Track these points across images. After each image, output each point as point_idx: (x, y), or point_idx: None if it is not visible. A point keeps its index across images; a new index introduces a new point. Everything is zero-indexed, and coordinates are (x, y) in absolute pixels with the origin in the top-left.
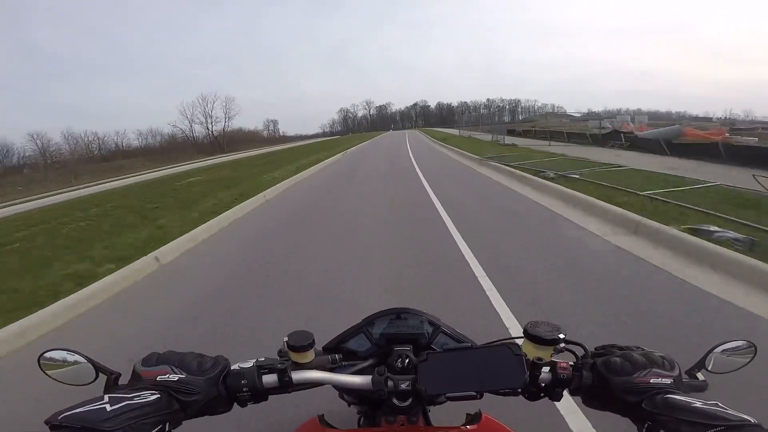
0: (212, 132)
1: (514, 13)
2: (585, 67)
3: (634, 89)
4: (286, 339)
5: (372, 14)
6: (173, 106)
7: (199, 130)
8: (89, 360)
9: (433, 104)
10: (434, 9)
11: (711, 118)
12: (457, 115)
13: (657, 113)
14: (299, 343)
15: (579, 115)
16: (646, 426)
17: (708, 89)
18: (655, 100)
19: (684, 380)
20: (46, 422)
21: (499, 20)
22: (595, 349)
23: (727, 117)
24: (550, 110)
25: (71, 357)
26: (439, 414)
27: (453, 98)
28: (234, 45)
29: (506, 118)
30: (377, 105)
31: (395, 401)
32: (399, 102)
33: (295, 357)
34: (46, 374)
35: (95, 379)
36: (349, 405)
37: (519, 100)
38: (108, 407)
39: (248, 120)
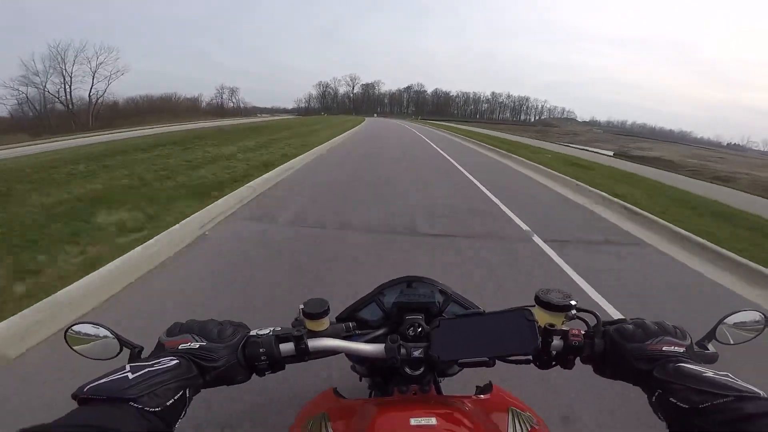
0: (70, 100)
1: (520, 9)
2: (579, 72)
3: (625, 100)
4: (301, 306)
5: None
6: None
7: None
8: (114, 334)
9: (430, 90)
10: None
11: (721, 143)
12: (455, 106)
13: (662, 130)
14: (315, 310)
15: (581, 121)
16: (656, 394)
17: (713, 112)
18: (646, 115)
19: (695, 350)
20: (73, 396)
21: (504, 14)
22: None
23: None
24: (560, 114)
25: (96, 330)
26: (450, 386)
27: (451, 87)
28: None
29: (507, 115)
30: (363, 83)
31: (407, 370)
32: (390, 83)
33: (310, 325)
34: (72, 349)
35: (119, 353)
36: (360, 379)
37: (527, 98)
38: (130, 375)
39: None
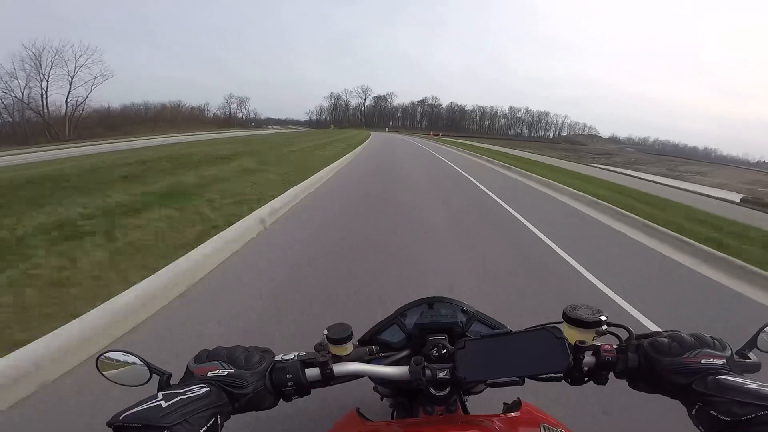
0: (46, 107)
1: (528, 24)
2: (596, 87)
3: (640, 116)
4: (325, 332)
5: (385, 9)
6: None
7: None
8: (143, 361)
9: (445, 103)
10: (449, 9)
11: (749, 161)
12: (471, 120)
13: (686, 148)
14: (339, 335)
15: (605, 137)
16: (696, 407)
17: (732, 128)
18: (665, 131)
19: (735, 360)
20: (108, 424)
21: (512, 29)
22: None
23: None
24: (582, 130)
25: (126, 357)
26: (476, 404)
27: (465, 101)
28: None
29: (524, 131)
30: (376, 95)
31: (433, 391)
32: (403, 96)
33: (334, 350)
34: (103, 375)
35: (149, 380)
36: (381, 398)
37: (547, 113)
38: (163, 404)
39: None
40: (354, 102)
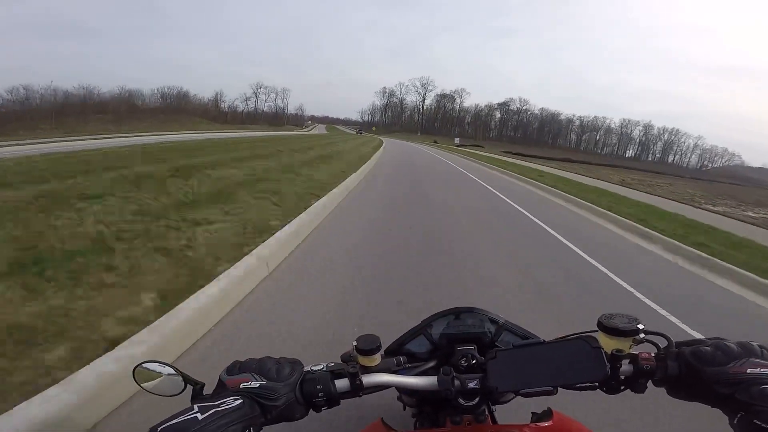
0: None
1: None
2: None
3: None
4: (355, 343)
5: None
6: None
7: None
8: (178, 371)
9: (537, 108)
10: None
11: None
12: (566, 133)
13: None
14: (368, 346)
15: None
16: (738, 416)
17: None
18: None
19: None
20: None
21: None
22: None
23: None
24: (720, 154)
25: (162, 368)
26: (504, 413)
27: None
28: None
29: (629, 152)
30: (439, 92)
31: (461, 401)
32: (476, 95)
33: (363, 360)
34: (139, 385)
35: (183, 390)
36: (404, 408)
37: (677, 130)
38: (199, 416)
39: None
40: (411, 99)
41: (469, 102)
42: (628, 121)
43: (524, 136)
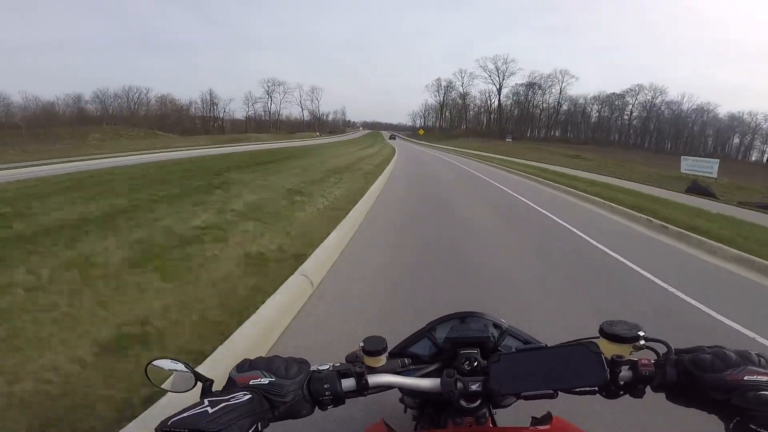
0: None
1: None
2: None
3: None
4: (361, 344)
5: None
6: None
7: None
8: (190, 368)
9: (674, 94)
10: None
11: None
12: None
13: None
14: (374, 347)
15: None
16: (734, 421)
17: None
18: None
19: None
20: (157, 430)
21: None
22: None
23: None
24: None
25: (174, 365)
26: (504, 417)
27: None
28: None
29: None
30: (519, 82)
31: (463, 403)
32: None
33: (368, 361)
34: (151, 382)
35: (194, 386)
36: (405, 410)
37: None
38: (209, 410)
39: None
40: (478, 93)
41: (580, 88)
42: None
43: (662, 138)
